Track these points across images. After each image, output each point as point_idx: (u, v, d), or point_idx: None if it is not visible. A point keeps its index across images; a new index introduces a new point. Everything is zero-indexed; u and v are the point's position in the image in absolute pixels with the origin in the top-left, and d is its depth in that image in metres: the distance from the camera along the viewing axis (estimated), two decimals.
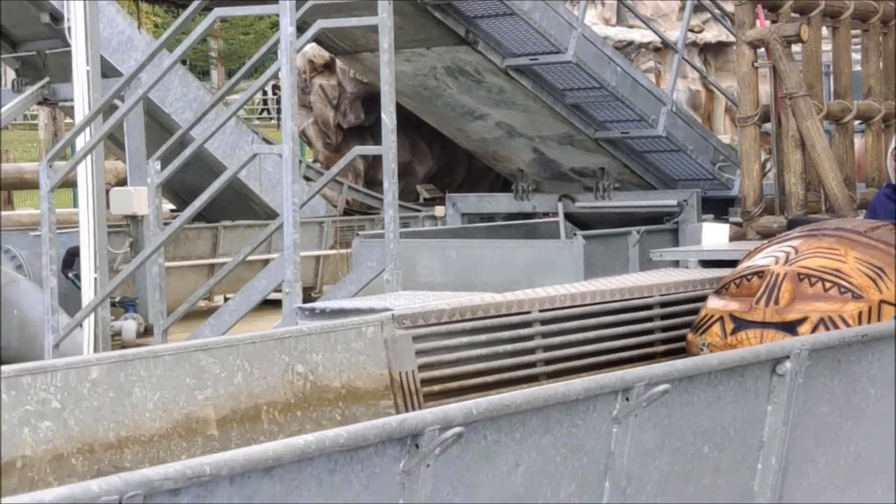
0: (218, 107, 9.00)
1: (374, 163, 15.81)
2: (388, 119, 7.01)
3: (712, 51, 18.21)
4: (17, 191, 16.27)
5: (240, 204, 13.46)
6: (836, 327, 4.40)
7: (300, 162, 6.87)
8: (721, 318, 4.68)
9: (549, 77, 10.85)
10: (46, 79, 12.07)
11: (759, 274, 4.71)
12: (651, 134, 11.06)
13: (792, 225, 5.64)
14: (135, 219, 11.45)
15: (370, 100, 15.94)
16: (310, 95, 16.78)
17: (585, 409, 3.09)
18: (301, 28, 7.30)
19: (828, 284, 4.57)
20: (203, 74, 37.51)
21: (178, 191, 13.88)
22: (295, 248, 6.55)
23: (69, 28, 8.78)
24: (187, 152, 7.31)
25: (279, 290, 6.84)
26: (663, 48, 16.70)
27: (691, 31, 16.57)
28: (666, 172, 11.54)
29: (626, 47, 16.91)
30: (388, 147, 6.99)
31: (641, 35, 17.05)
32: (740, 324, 4.61)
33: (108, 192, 9.85)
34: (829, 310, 4.49)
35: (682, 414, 3.32)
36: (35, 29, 12.15)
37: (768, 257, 4.82)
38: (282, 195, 6.83)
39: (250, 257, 8.07)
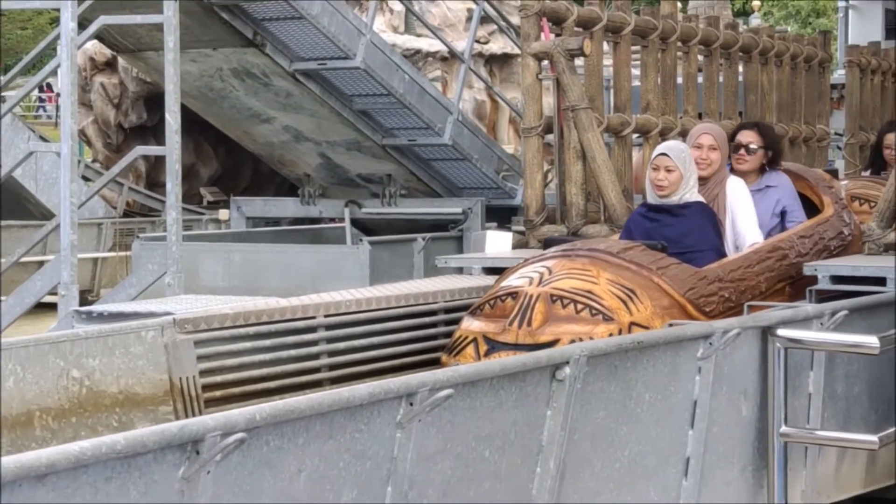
0: None
1: (157, 164, 15.51)
2: (173, 119, 6.89)
3: (498, 62, 18.54)
4: None
5: (14, 203, 13.01)
6: None
7: (79, 161, 6.69)
8: (475, 340, 4.60)
9: (338, 82, 10.84)
10: None
11: (513, 295, 4.65)
12: (437, 142, 11.16)
13: (548, 245, 5.52)
14: None
15: (153, 100, 15.64)
16: (90, 94, 16.36)
17: (369, 414, 3.09)
18: (83, 24, 7.11)
19: (580, 306, 4.53)
20: None
21: None
22: (72, 249, 6.37)
23: None
24: None
25: (55, 293, 6.63)
26: (450, 58, 16.91)
27: (478, 41, 16.83)
28: (451, 181, 11.67)
29: (413, 55, 17.07)
30: (172, 148, 6.86)
31: (429, 44, 17.24)
32: (494, 345, 4.53)
33: None
34: (580, 332, 4.44)
35: (464, 419, 3.35)
36: None
37: (522, 278, 4.75)
38: (59, 195, 6.63)
39: (25, 258, 7.81)
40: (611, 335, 4.35)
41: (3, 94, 10.93)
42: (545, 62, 6.90)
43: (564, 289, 4.58)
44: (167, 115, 6.90)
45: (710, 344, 4.19)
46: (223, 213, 13.49)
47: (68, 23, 6.39)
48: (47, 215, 12.02)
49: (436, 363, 4.93)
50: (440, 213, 11.18)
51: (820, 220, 5.88)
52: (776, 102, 8.78)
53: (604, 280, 4.61)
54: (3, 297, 9.41)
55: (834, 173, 6.92)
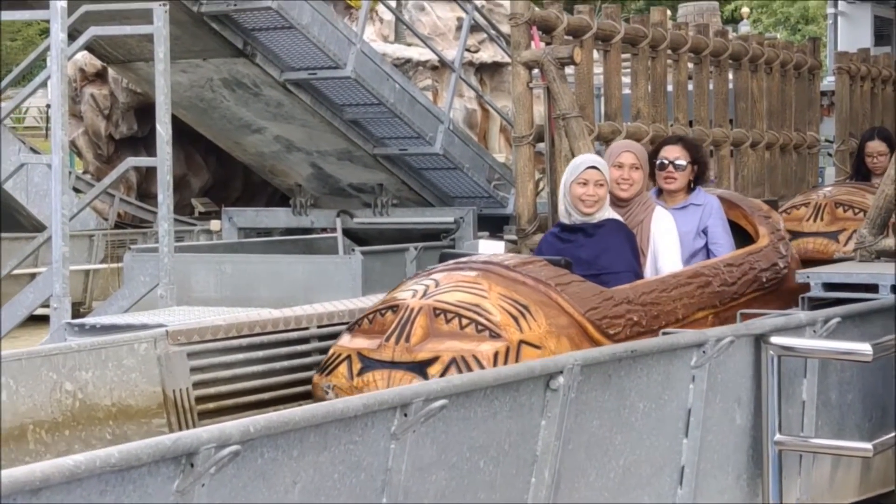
0: None
1: (148, 175, 15.49)
2: (164, 130, 6.88)
3: (488, 70, 18.56)
4: None
5: (5, 216, 12.98)
6: (469, 367, 3.99)
7: (69, 173, 6.68)
8: (349, 357, 4.20)
9: (328, 92, 10.84)
10: None
11: (394, 308, 4.27)
12: (428, 151, 11.17)
13: (443, 259, 5.06)
14: None
15: (144, 110, 15.63)
16: (80, 105, 16.35)
17: (364, 425, 3.08)
18: (73, 35, 7.10)
19: (465, 321, 4.14)
20: None
21: None
22: (63, 261, 6.36)
23: None
24: None
25: (47, 306, 6.62)
26: (440, 67, 16.93)
27: (468, 50, 16.85)
28: (443, 190, 11.68)
29: (404, 65, 17.08)
30: (163, 159, 6.86)
31: (419, 53, 17.25)
32: (368, 363, 4.15)
33: None
34: (462, 349, 4.05)
35: (459, 429, 3.35)
36: None
37: (407, 291, 4.37)
38: (50, 207, 6.62)
39: (16, 271, 7.79)
40: (496, 353, 4.03)
41: None
42: (535, 71, 6.91)
43: (449, 302, 4.20)
44: (158, 126, 6.89)
45: (704, 352, 4.19)
46: (215, 224, 13.48)
47: (58, 34, 6.38)
48: (38, 227, 11.99)
49: None
50: (432, 223, 11.18)
51: (752, 249, 5.47)
52: (766, 109, 8.80)
53: (495, 294, 4.23)
54: None
55: (773, 204, 6.37)
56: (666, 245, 5.20)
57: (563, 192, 5.09)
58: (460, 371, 3.97)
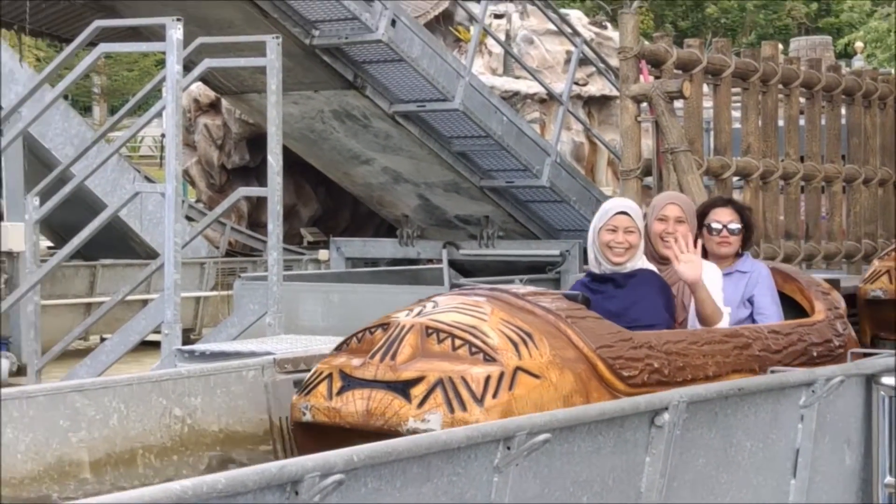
0: (100, 143, 8.87)
1: (259, 204, 15.71)
2: (274, 160, 6.98)
3: (596, 104, 18.51)
4: None
5: (120, 242, 13.27)
6: (456, 390, 3.66)
7: (182, 202, 6.80)
8: (329, 376, 3.90)
9: (436, 124, 10.91)
10: None
11: (385, 326, 3.99)
12: (535, 184, 11.17)
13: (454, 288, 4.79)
14: (10, 255, 11.21)
15: (256, 141, 15.87)
16: (194, 135, 16.65)
17: (467, 457, 3.08)
18: (188, 66, 7.25)
19: (458, 342, 3.82)
20: (85, 110, 37.00)
21: (56, 228, 13.64)
22: (175, 288, 6.46)
23: None
24: (67, 189, 7.18)
25: (158, 332, 6.73)
26: (548, 99, 16.93)
27: (576, 83, 16.83)
28: (549, 222, 11.66)
29: (512, 97, 17.12)
30: (274, 189, 6.95)
31: (527, 86, 17.27)
32: (349, 382, 3.84)
33: None
34: (451, 370, 3.72)
35: (562, 463, 3.33)
36: None
37: (403, 311, 4.12)
38: (163, 234, 6.74)
39: (129, 297, 7.95)
40: (488, 377, 3.68)
41: (109, 134, 11.17)
42: (644, 104, 6.88)
43: (444, 322, 3.89)
44: (269, 157, 6.99)
45: (813, 391, 4.12)
46: (323, 254, 13.62)
47: (174, 65, 6.51)
48: (151, 254, 12.22)
49: None
50: (538, 255, 11.17)
51: (804, 321, 5.01)
52: (879, 145, 8.65)
53: (496, 318, 3.93)
54: (107, 336, 9.57)
55: (835, 283, 5.78)
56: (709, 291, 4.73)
57: (591, 239, 4.71)
58: (446, 394, 3.66)
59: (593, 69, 16.56)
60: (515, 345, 3.81)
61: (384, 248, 12.11)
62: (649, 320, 4.45)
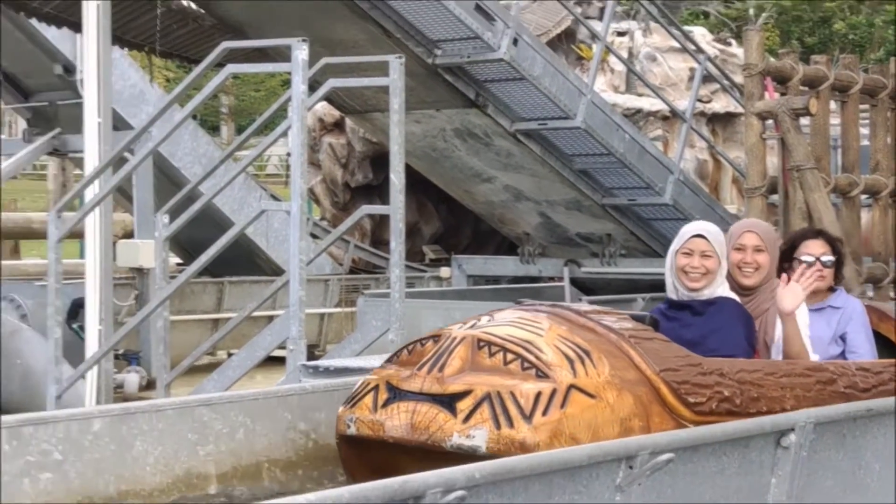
0: (227, 162, 9.04)
1: (381, 222, 15.85)
2: (397, 179, 7.04)
3: (720, 121, 18.31)
4: (24, 240, 16.30)
5: (246, 260, 13.48)
6: (504, 406, 3.51)
7: (307, 219, 6.89)
8: (376, 388, 3.77)
9: (558, 142, 10.90)
10: (57, 130, 12.15)
11: (437, 338, 3.85)
12: (658, 202, 11.09)
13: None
14: (141, 271, 11.47)
15: (379, 159, 16.01)
16: (319, 153, 16.86)
17: (588, 476, 3.07)
18: (313, 86, 7.35)
19: (510, 356, 3.66)
20: (213, 130, 37.73)
21: (185, 245, 13.91)
22: (300, 305, 6.55)
23: (81, 80, 8.85)
24: (195, 207, 7.33)
25: (283, 347, 6.83)
26: (672, 117, 16.79)
27: (700, 100, 16.67)
28: (672, 240, 11.55)
29: (634, 115, 17.01)
30: (396, 207, 7.01)
31: (650, 103, 17.15)
32: (395, 394, 3.70)
33: (115, 244, 9.87)
34: (500, 385, 3.56)
35: (685, 484, 3.30)
36: (48, 80, 12.25)
37: (459, 323, 3.98)
38: (288, 252, 6.84)
39: (255, 313, 8.07)
40: (538, 394, 3.51)
41: (236, 153, 11.38)
42: (769, 121, 6.79)
43: (497, 335, 3.73)
44: (392, 175, 7.06)
45: None
46: (444, 271, 13.67)
47: (299, 85, 6.61)
48: (277, 271, 12.40)
49: None
50: (660, 274, 11.03)
51: None
52: None
53: (553, 334, 3.75)
54: (233, 351, 9.72)
55: None
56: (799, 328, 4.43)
57: (668, 264, 4.50)
58: (493, 409, 3.52)
59: (717, 86, 16.38)
60: (571, 362, 3.64)
61: (505, 265, 12.12)
62: (728, 351, 4.19)
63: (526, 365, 3.62)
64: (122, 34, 11.07)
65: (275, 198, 13.65)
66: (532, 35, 11.09)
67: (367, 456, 3.71)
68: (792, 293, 4.37)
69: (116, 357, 9.92)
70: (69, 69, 11.72)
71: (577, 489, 3.05)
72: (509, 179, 11.51)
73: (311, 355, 9.38)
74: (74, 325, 9.99)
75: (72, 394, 7.47)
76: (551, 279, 11.91)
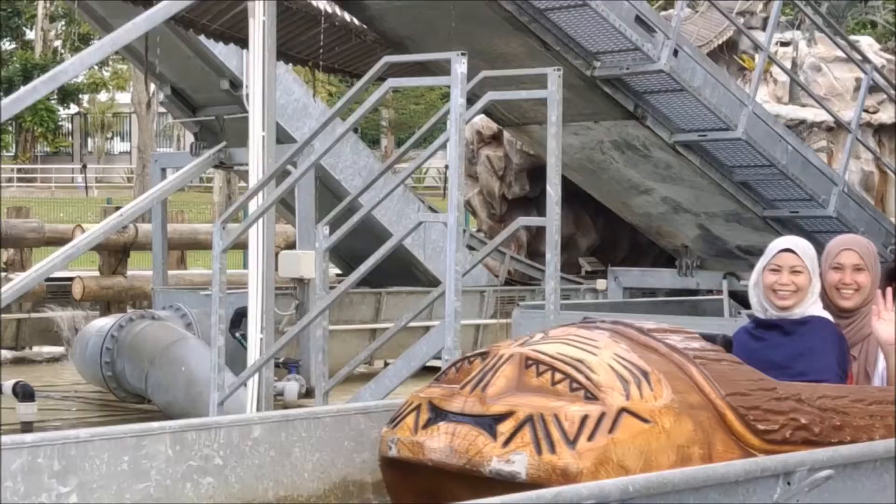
0: (386, 174, 9.15)
1: (537, 234, 15.84)
2: (553, 191, 7.03)
3: (887, 132, 17.83)
4: (190, 251, 16.76)
5: (403, 270, 13.62)
6: (547, 429, 3.28)
7: (464, 231, 6.94)
8: (418, 407, 3.57)
9: (718, 153, 10.77)
10: (223, 143, 12.46)
11: (484, 355, 3.64)
12: (821, 214, 10.87)
13: None
14: (302, 282, 11.68)
15: (535, 171, 16.01)
16: (476, 166, 16.95)
17: (745, 491, 3.04)
18: (471, 100, 7.40)
19: (558, 376, 3.42)
20: (373, 143, 38.26)
21: (344, 256, 14.12)
22: (456, 315, 6.59)
23: (247, 95, 9.06)
24: (355, 218, 7.44)
25: (439, 357, 6.87)
26: (836, 128, 16.43)
27: (866, 111, 16.26)
28: None
29: (797, 126, 16.69)
30: (552, 219, 7.00)
31: (814, 114, 16.80)
32: (437, 414, 3.50)
33: (277, 254, 10.08)
34: (544, 407, 3.33)
35: (845, 501, 3.23)
36: (214, 95, 12.58)
37: (512, 340, 3.79)
38: (444, 263, 6.89)
39: (412, 324, 8.14)
40: (585, 417, 3.28)
41: (395, 166, 11.52)
42: None
43: (547, 353, 3.50)
44: (548, 187, 7.06)
45: None
46: (601, 283, 13.60)
47: (457, 98, 6.66)
48: (433, 282, 12.50)
49: None
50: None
51: None
52: None
53: (608, 353, 3.50)
54: (390, 361, 9.83)
55: None
56: None
57: (753, 281, 4.20)
58: (535, 433, 3.29)
59: (884, 96, 15.96)
60: (626, 383, 3.39)
61: (663, 278, 12.00)
62: (818, 375, 3.90)
63: (575, 386, 3.40)
64: (287, 50, 11.31)
65: (432, 209, 13.77)
66: (693, 46, 10.98)
67: (410, 479, 3.56)
68: (887, 322, 4.05)
69: (277, 365, 10.12)
70: (235, 84, 12.02)
71: None
72: (668, 191, 11.40)
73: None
74: (237, 334, 10.22)
75: (233, 401, 7.64)
76: (709, 292, 11.75)
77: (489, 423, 3.36)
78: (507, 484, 3.18)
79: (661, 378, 3.45)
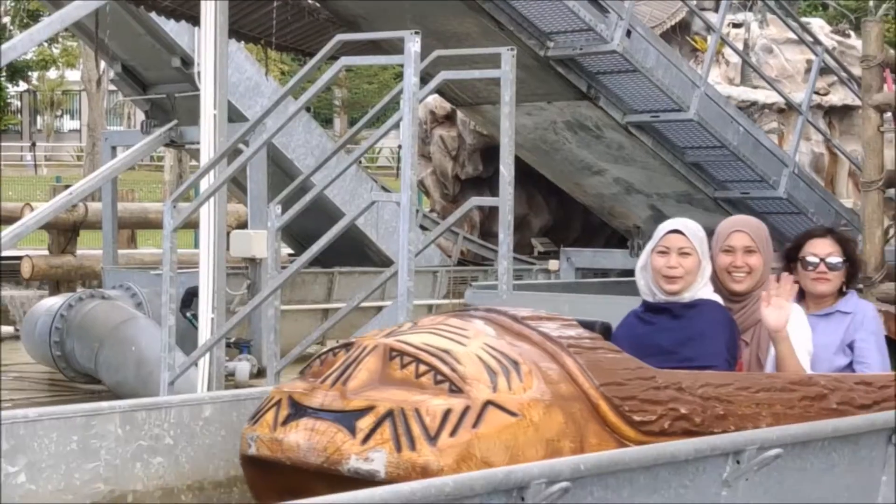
0: (339, 154, 9.12)
1: (490, 214, 15.87)
2: (507, 171, 7.04)
3: (837, 114, 17.98)
4: (140, 230, 16.65)
5: (356, 250, 13.60)
6: (408, 425, 3.13)
7: (417, 211, 6.93)
8: (279, 403, 3.40)
9: (670, 134, 10.81)
10: (174, 121, 12.37)
11: (348, 346, 3.47)
12: (772, 195, 10.95)
13: None
14: (253, 261, 11.63)
15: (489, 151, 16.03)
16: (429, 146, 16.94)
17: (695, 469, 3.06)
18: (424, 79, 7.38)
19: (423, 367, 3.26)
20: (326, 122, 38.12)
21: (296, 235, 14.09)
22: (409, 295, 6.59)
23: (199, 73, 8.99)
24: (307, 198, 7.41)
25: None
26: (787, 109, 16.54)
27: (816, 93, 16.39)
28: (786, 235, 11.38)
29: (749, 107, 16.79)
30: (506, 199, 7.00)
31: (765, 96, 16.91)
32: (297, 409, 3.33)
33: (228, 234, 10.03)
34: (405, 401, 3.18)
35: (794, 480, 3.27)
36: (166, 72, 12.48)
37: (380, 330, 3.59)
38: (397, 243, 6.88)
39: (364, 304, 8.13)
40: (448, 411, 3.14)
41: (348, 145, 11.49)
42: (887, 114, 6.67)
43: (413, 343, 3.34)
44: (501, 167, 7.06)
45: None
46: (553, 264, 13.64)
47: (411, 78, 6.63)
48: (386, 262, 12.48)
49: None
50: (773, 268, 10.91)
51: None
52: None
53: (477, 343, 3.36)
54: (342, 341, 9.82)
55: None
56: (793, 343, 3.95)
57: (641, 263, 4.06)
58: (395, 429, 3.15)
59: (835, 78, 16.10)
60: (494, 375, 3.25)
61: (615, 258, 12.04)
62: (706, 360, 3.77)
63: (439, 378, 3.24)
64: (239, 28, 11.23)
65: (385, 189, 13.74)
66: (646, 27, 11.01)
67: (270, 478, 3.41)
68: (775, 308, 3.93)
69: (228, 345, 10.07)
70: (187, 62, 11.93)
71: (683, 483, 3.03)
72: (620, 172, 11.44)
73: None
74: (188, 314, 10.17)
75: (184, 381, 7.59)
76: None
77: (349, 418, 3.21)
78: (368, 483, 3.03)
79: (532, 368, 3.32)
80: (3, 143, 46.16)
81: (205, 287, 8.36)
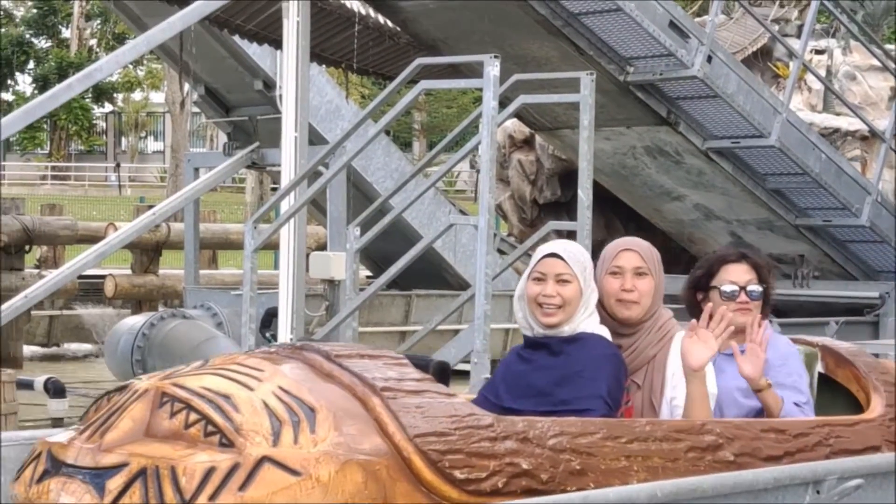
0: (418, 177, 9.18)
1: (569, 239, 15.83)
2: (585, 196, 7.03)
3: None
4: (221, 250, 16.83)
5: (433, 273, 13.62)
6: (160, 487, 2.72)
7: (494, 235, 6.94)
8: (38, 457, 2.95)
9: (751, 161, 10.73)
10: (256, 143, 12.50)
11: (123, 389, 3.01)
12: (854, 223, 10.82)
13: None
14: (332, 283, 11.70)
15: (567, 176, 16.00)
16: (508, 170, 16.95)
17: (773, 499, 3.03)
18: (503, 103, 7.41)
19: (193, 417, 2.82)
20: (405, 145, 38.33)
21: (374, 257, 14.15)
22: (485, 319, 6.60)
23: (280, 95, 9.10)
24: (386, 220, 7.46)
25: (468, 361, 6.88)
26: (870, 137, 16.34)
27: None
28: (868, 263, 11.24)
29: (831, 134, 16.61)
30: (584, 223, 7.00)
31: (848, 123, 16.71)
32: (54, 465, 2.89)
33: (308, 255, 10.10)
34: (164, 457, 2.75)
35: None
36: (248, 95, 12.63)
37: (165, 370, 3.14)
38: (475, 266, 6.90)
39: (441, 326, 8.16)
40: (210, 470, 2.71)
41: (426, 169, 11.54)
42: None
43: (189, 387, 2.88)
44: (580, 192, 7.06)
45: None
46: None
47: (490, 102, 6.67)
48: (463, 286, 12.49)
49: None
50: (855, 297, 10.78)
51: (839, 420, 3.57)
52: None
53: (270, 386, 2.89)
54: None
55: None
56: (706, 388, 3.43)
57: (518, 293, 3.50)
58: (146, 491, 2.72)
59: None
60: (279, 425, 2.79)
61: None
62: (582, 404, 3.26)
63: (210, 429, 2.80)
64: (321, 51, 11.34)
65: (463, 213, 13.75)
66: (727, 52, 10.95)
67: None
68: (703, 344, 3.41)
69: None
70: (269, 85, 12.06)
71: None
72: (700, 198, 11.37)
73: (495, 370, 9.42)
74: (267, 334, 10.24)
75: None
76: None
77: (101, 477, 2.79)
78: None
79: (330, 417, 2.84)
80: (88, 164, 46.96)
81: (284, 308, 8.44)
